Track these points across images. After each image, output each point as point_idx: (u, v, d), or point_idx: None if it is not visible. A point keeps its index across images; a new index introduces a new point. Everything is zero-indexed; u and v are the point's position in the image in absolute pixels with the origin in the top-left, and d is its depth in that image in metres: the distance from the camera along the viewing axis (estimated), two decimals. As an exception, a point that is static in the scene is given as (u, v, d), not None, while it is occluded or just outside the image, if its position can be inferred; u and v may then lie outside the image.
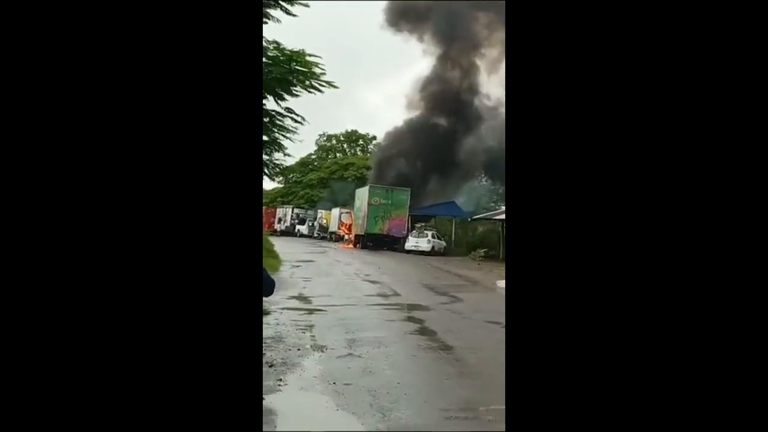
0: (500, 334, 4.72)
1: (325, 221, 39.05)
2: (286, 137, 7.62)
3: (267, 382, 4.65)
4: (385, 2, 37.80)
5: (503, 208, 23.34)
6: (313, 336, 6.92)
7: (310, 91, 6.97)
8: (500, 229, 25.07)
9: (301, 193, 49.23)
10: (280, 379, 4.97)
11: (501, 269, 16.01)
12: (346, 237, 32.73)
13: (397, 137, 35.33)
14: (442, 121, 33.69)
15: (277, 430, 3.86)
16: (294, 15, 6.94)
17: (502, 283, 13.11)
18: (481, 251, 22.76)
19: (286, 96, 7.00)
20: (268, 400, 4.17)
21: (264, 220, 38.06)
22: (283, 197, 49.78)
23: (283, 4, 6.79)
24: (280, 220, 43.97)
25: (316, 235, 39.36)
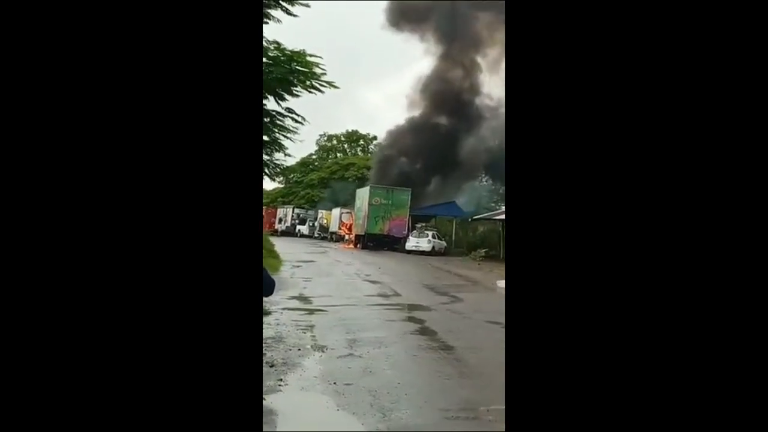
0: (500, 334, 4.71)
1: (325, 221, 39.04)
2: (287, 137, 7.59)
3: (267, 382, 4.66)
4: (385, 2, 37.85)
5: (504, 208, 23.32)
6: (314, 336, 6.92)
7: (310, 92, 6.95)
8: (501, 229, 25.06)
9: (302, 193, 49.24)
10: (281, 379, 4.97)
11: (501, 269, 16.01)
12: (347, 237, 32.69)
13: (398, 136, 35.34)
14: (443, 121, 33.69)
15: (278, 430, 3.86)
16: (294, 15, 6.92)
17: (502, 283, 13.11)
18: (482, 251, 22.74)
19: (287, 96, 6.97)
20: (269, 400, 4.18)
21: (264, 220, 38.08)
22: (283, 197, 49.80)
23: (284, 4, 6.78)
24: (280, 220, 43.97)
25: (316, 235, 39.36)
